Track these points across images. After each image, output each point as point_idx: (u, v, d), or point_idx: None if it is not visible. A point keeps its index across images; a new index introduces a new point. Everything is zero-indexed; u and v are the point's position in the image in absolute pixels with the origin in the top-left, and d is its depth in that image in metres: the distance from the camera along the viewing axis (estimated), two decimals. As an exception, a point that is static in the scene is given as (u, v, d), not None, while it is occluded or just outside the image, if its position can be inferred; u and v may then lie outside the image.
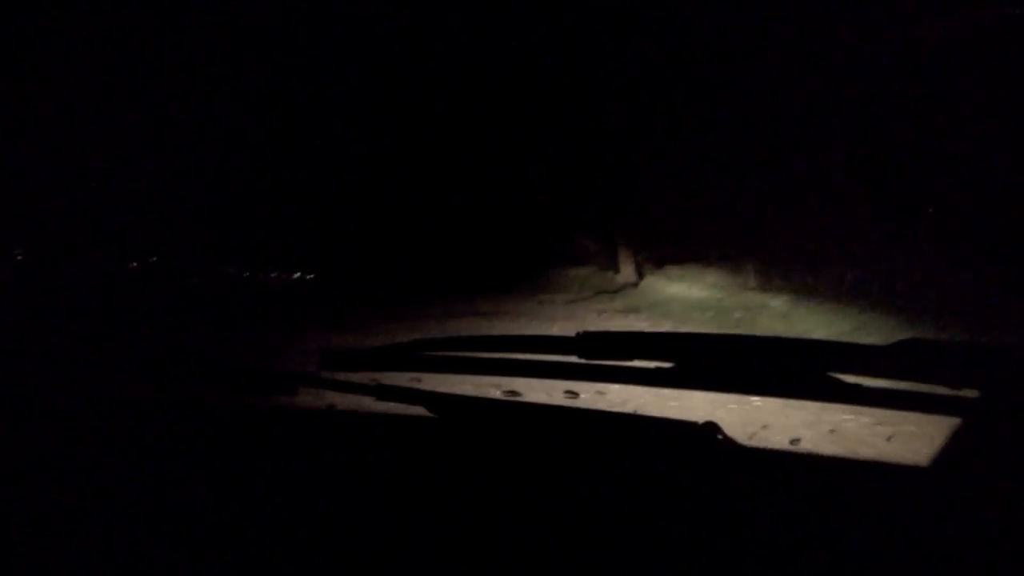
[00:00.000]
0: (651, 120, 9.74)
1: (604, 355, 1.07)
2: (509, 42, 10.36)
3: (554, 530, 0.78)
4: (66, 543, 0.79)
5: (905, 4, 5.99)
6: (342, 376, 1.22)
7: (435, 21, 10.58)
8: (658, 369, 1.01)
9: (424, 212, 13.42)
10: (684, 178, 9.55)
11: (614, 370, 1.05)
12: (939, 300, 5.25)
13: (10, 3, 10.54)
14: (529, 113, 11.18)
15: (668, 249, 10.25)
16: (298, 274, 17.46)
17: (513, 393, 3.21)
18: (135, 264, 17.27)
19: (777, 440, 3.08)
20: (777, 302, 6.89)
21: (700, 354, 1.10)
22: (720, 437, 0.93)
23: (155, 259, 17.06)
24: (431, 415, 1.10)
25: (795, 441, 3.04)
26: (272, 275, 17.36)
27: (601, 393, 3.77)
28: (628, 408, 3.50)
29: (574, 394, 3.61)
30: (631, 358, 1.04)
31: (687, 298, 8.59)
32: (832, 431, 3.17)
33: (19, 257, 14.06)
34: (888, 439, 3.05)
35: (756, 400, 3.48)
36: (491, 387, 3.33)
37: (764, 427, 3.27)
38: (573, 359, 1.08)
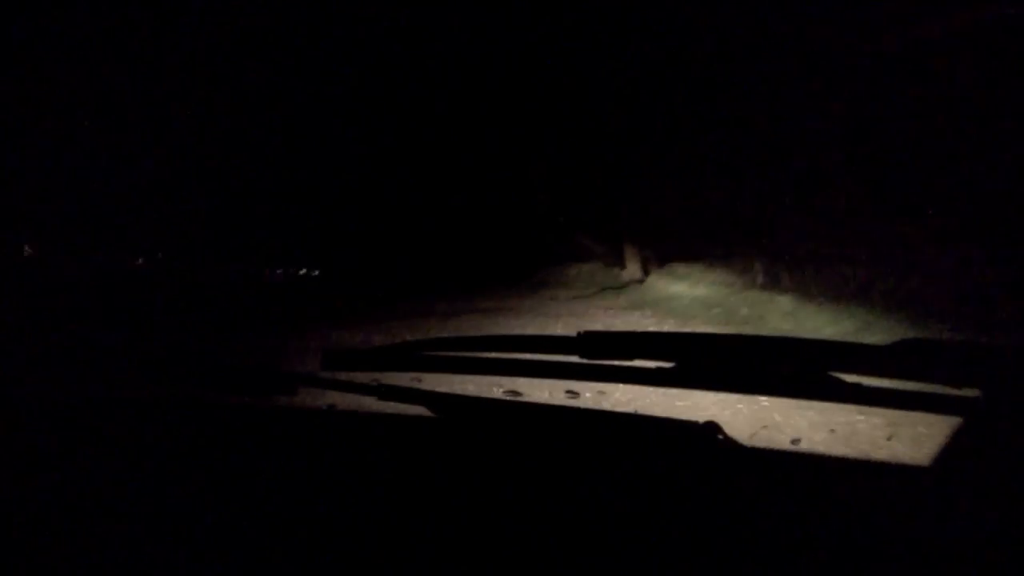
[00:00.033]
0: (653, 120, 9.74)
1: (605, 355, 1.07)
2: (509, 42, 10.36)
3: (555, 530, 0.78)
4: (66, 543, 0.79)
5: (905, 4, 5.99)
6: (343, 376, 1.21)
7: (435, 21, 10.58)
8: (659, 369, 1.01)
9: (424, 212, 13.43)
10: (687, 177, 9.56)
11: (615, 370, 1.05)
12: (940, 300, 5.25)
13: (13, 3, 10.54)
14: (529, 113, 11.18)
15: (674, 246, 10.25)
16: (304, 270, 17.47)
17: (514, 393, 3.21)
18: (141, 260, 17.29)
19: (778, 440, 3.08)
20: (783, 300, 6.88)
21: (701, 354, 1.10)
22: (721, 437, 0.93)
23: (160, 255, 17.08)
24: (432, 415, 1.10)
25: (796, 441, 3.04)
26: (278, 271, 17.37)
27: (603, 393, 3.77)
28: (631, 408, 3.51)
29: (575, 394, 3.61)
30: (632, 358, 1.04)
31: (693, 295, 8.57)
32: (832, 431, 3.18)
33: (26, 252, 14.07)
34: (888, 439, 3.05)
35: (764, 400, 3.49)
36: (492, 387, 3.34)
37: (764, 427, 3.27)
38: (574, 359, 1.08)
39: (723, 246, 8.80)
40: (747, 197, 8.47)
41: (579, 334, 1.08)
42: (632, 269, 11.19)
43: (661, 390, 3.22)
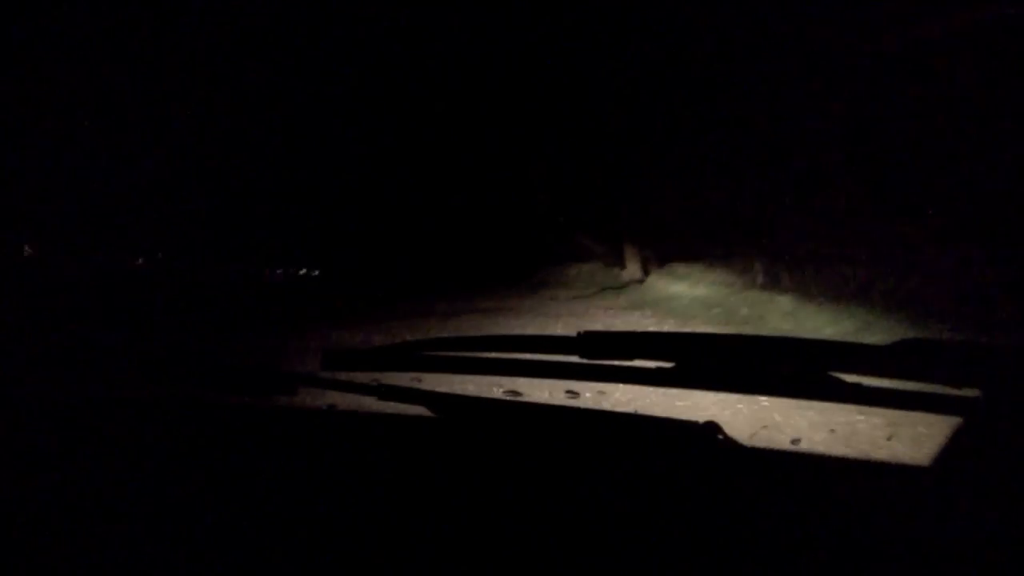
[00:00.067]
0: (653, 120, 9.74)
1: (605, 355, 1.07)
2: (509, 42, 10.36)
3: (555, 530, 0.78)
4: (66, 543, 0.79)
5: (905, 4, 6.00)
6: (343, 376, 1.21)
7: (435, 21, 10.58)
8: (659, 369, 1.01)
9: (424, 212, 13.44)
10: (687, 177, 9.56)
11: (615, 370, 1.05)
12: (940, 300, 5.25)
13: (13, 4, 10.55)
14: (529, 113, 11.19)
15: (674, 246, 10.25)
16: (304, 270, 17.45)
17: (514, 393, 3.21)
18: (141, 260, 17.29)
19: (778, 440, 3.08)
20: (783, 300, 6.88)
21: (701, 354, 1.10)
22: (721, 437, 0.93)
23: (160, 255, 17.07)
24: (432, 415, 1.10)
25: (796, 441, 3.05)
26: (278, 271, 17.36)
27: (602, 393, 3.77)
28: (631, 408, 3.51)
29: (575, 394, 3.61)
30: (632, 358, 1.04)
31: (693, 295, 8.56)
32: (832, 431, 3.18)
33: (26, 252, 14.07)
34: (888, 439, 3.05)
35: (764, 400, 3.49)
36: (492, 387, 3.34)
37: (764, 427, 3.27)
38: (574, 359, 1.08)
39: (723, 246, 8.80)
40: (747, 197, 8.47)
41: (579, 334, 1.08)
42: (632, 269, 11.19)
43: (661, 390, 3.22)
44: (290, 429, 1.20)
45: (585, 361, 1.07)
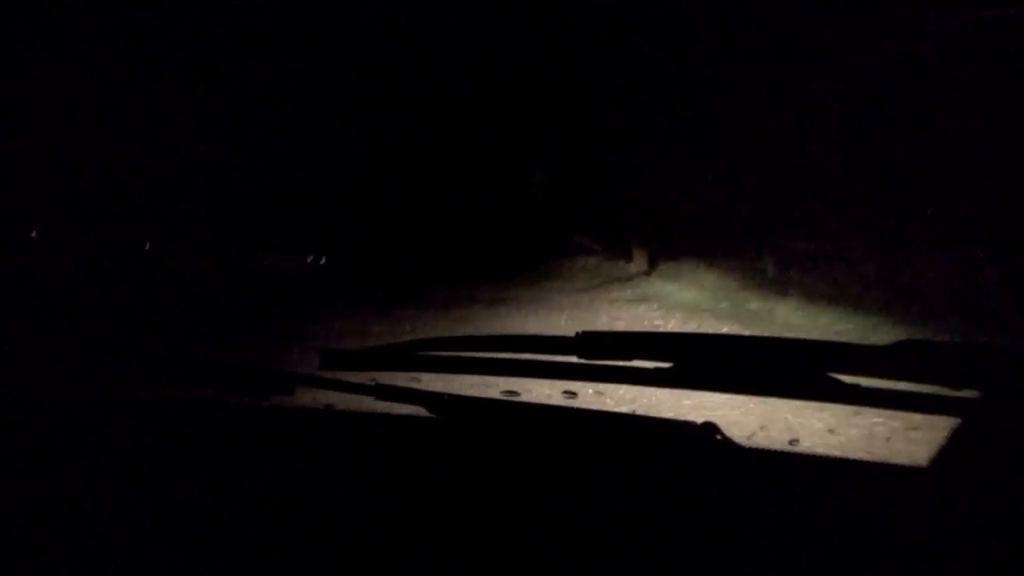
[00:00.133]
0: (653, 120, 9.75)
1: (603, 355, 1.07)
2: (509, 42, 10.37)
3: (553, 530, 0.78)
4: (66, 543, 0.79)
5: (905, 4, 6.00)
6: (341, 376, 1.22)
7: (435, 21, 10.58)
8: (657, 369, 1.01)
9: (424, 212, 13.44)
10: (689, 176, 9.57)
11: (613, 370, 1.05)
12: (940, 300, 5.25)
13: (13, 4, 10.57)
14: (530, 114, 11.19)
15: (679, 243, 10.25)
16: (311, 258, 17.34)
17: (512, 393, 3.21)
18: (141, 261, 17.24)
19: (777, 440, 3.08)
20: (792, 296, 6.88)
21: (699, 354, 1.10)
22: (719, 437, 0.93)
23: (154, 253, 17.04)
24: (430, 415, 1.10)
25: (795, 441, 3.04)
26: (283, 264, 17.23)
27: (601, 393, 3.77)
28: (629, 408, 3.51)
29: (573, 394, 3.60)
30: (630, 358, 1.04)
31: (701, 289, 8.50)
32: (831, 431, 3.17)
33: (33, 236, 14.05)
34: (887, 439, 3.04)
35: (763, 400, 3.48)
36: (490, 387, 3.33)
37: (763, 427, 3.27)
38: (572, 359, 1.08)
39: (726, 244, 8.81)
40: (748, 196, 8.48)
41: (577, 334, 1.08)
42: (639, 262, 11.21)
43: (660, 390, 3.22)
44: (288, 429, 1.20)
45: (583, 361, 1.07)
